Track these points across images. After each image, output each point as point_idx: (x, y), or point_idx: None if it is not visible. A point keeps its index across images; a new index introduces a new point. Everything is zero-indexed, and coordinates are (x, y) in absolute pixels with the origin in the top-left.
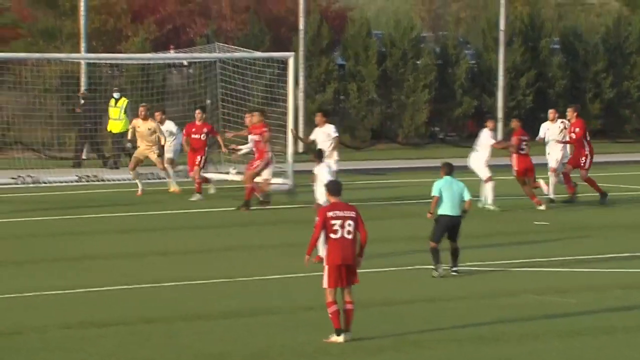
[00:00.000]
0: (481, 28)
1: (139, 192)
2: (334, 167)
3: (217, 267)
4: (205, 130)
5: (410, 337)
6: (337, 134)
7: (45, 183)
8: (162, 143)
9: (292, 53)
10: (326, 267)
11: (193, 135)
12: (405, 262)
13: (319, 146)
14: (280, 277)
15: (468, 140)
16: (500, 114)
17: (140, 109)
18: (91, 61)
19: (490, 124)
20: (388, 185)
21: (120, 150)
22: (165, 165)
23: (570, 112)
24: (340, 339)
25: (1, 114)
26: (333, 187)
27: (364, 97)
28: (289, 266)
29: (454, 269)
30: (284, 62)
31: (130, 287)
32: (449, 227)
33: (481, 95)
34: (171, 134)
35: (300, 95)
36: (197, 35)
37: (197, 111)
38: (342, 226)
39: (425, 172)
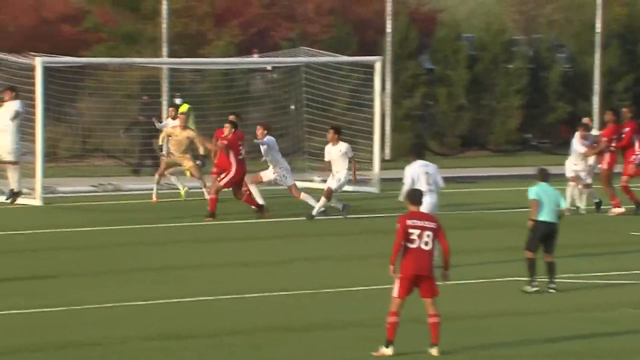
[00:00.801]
0: (576, 30)
1: (154, 199)
2: (342, 180)
3: (299, 278)
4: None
5: (500, 351)
6: (352, 154)
7: (126, 191)
8: (202, 153)
9: (379, 57)
10: (398, 277)
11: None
12: (494, 274)
13: (333, 165)
14: (365, 288)
15: (561, 147)
16: (596, 119)
17: (180, 116)
18: (173, 66)
19: (581, 130)
20: (478, 194)
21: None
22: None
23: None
24: (389, 351)
25: (82, 120)
26: (414, 196)
27: (453, 102)
28: (372, 277)
29: (552, 285)
30: (370, 67)
31: (211, 298)
32: (546, 235)
33: (576, 100)
34: None
35: (387, 100)
36: (281, 39)
37: (230, 117)
38: (420, 236)
39: (517, 180)
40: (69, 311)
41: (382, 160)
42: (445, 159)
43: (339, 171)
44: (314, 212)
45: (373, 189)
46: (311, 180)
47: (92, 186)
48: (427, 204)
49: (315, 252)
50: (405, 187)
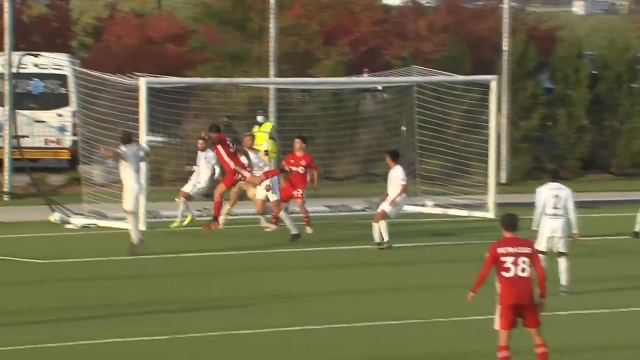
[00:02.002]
0: None
1: (221, 227)
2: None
3: (411, 307)
4: (304, 163)
5: None
6: (405, 181)
7: (231, 216)
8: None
9: (496, 76)
10: (499, 308)
11: (292, 168)
12: (617, 304)
13: (388, 190)
14: (480, 318)
15: None
16: None
17: (247, 138)
18: (281, 86)
19: None
20: (600, 219)
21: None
22: (181, 198)
23: None
24: None
25: (187, 142)
26: (508, 221)
27: (574, 123)
28: (485, 307)
29: None
30: (486, 86)
31: (319, 327)
32: None
33: None
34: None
35: (504, 122)
36: (393, 58)
37: (297, 140)
38: (515, 264)
39: None
40: (172, 340)
41: (498, 184)
42: (565, 183)
43: (390, 195)
44: (379, 241)
45: (488, 214)
46: (423, 205)
47: (198, 210)
48: (550, 229)
49: (426, 280)
50: (537, 211)
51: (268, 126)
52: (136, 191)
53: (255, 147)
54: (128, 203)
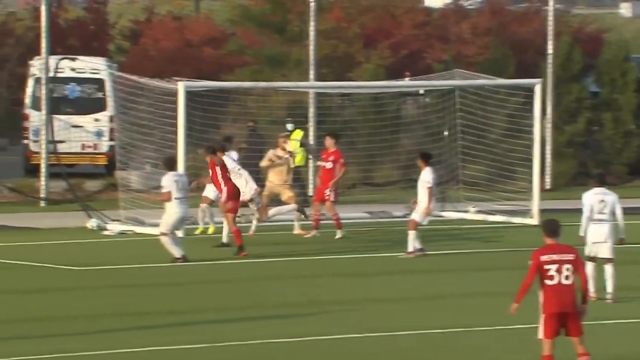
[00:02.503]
0: None
1: (251, 233)
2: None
3: (451, 316)
4: (332, 158)
5: None
6: (430, 184)
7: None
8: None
9: (540, 80)
10: (542, 316)
11: (322, 163)
12: None
13: (418, 193)
14: (522, 327)
15: None
16: None
17: (281, 139)
18: (320, 90)
19: None
20: None
21: (300, 187)
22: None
23: None
24: None
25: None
26: (550, 227)
27: (620, 128)
28: (528, 315)
29: None
30: (530, 90)
31: (360, 335)
32: None
33: None
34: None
35: (548, 126)
36: (434, 61)
37: (327, 137)
38: (559, 271)
39: None
40: (209, 348)
41: (542, 190)
42: (611, 188)
43: (421, 201)
44: (410, 249)
45: (532, 221)
46: (466, 211)
47: (237, 217)
48: (595, 234)
49: (467, 288)
50: (584, 216)
51: (298, 134)
52: (178, 215)
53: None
54: (164, 225)
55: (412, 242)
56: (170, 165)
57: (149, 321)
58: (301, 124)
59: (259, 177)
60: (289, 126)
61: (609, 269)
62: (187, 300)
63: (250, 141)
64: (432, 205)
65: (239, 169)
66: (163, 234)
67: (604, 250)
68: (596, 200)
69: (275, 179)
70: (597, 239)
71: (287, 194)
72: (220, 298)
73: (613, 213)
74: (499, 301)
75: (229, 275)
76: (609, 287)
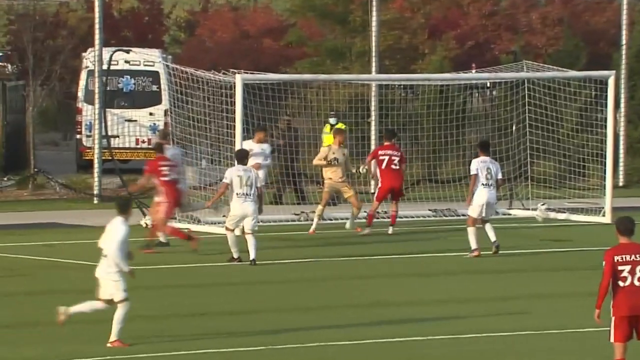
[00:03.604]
0: None
1: (312, 231)
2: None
3: (519, 318)
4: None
5: None
6: (472, 171)
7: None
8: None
9: (613, 72)
10: (613, 319)
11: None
12: None
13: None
14: (595, 330)
15: None
16: None
17: (338, 135)
18: (383, 82)
19: None
20: None
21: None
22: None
23: None
24: None
25: (283, 142)
26: (624, 226)
27: None
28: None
29: None
30: (602, 82)
31: (423, 338)
32: None
33: None
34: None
35: (621, 120)
36: (502, 52)
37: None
38: (632, 272)
39: None
40: (267, 351)
41: (615, 187)
42: None
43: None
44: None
45: (604, 219)
46: (535, 209)
47: (295, 214)
48: None
49: (536, 289)
50: None
51: (340, 127)
52: (238, 216)
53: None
54: (229, 221)
55: (471, 239)
56: (240, 157)
57: (209, 322)
58: (363, 117)
59: (293, 173)
60: (332, 120)
61: None
62: (246, 301)
63: (287, 136)
64: (474, 196)
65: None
66: (227, 229)
67: None
68: None
69: (333, 176)
70: None
71: (347, 192)
72: (279, 298)
73: None
74: (570, 303)
75: (285, 275)
76: None
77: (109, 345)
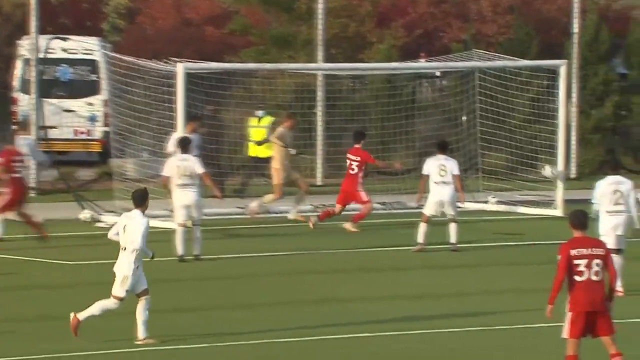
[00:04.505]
0: None
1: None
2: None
3: (471, 314)
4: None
5: None
6: (458, 172)
7: (274, 213)
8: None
9: (565, 61)
10: (569, 315)
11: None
12: None
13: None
14: (544, 326)
15: None
16: None
17: (287, 122)
18: (329, 72)
19: None
20: None
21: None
22: None
23: None
24: None
25: (228, 134)
26: (578, 219)
27: None
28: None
29: None
30: (554, 72)
31: (371, 335)
32: None
33: None
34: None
35: (573, 110)
36: (452, 41)
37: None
38: (589, 266)
39: None
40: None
41: (567, 179)
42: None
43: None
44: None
45: (556, 212)
46: (485, 202)
47: (239, 207)
48: (610, 226)
49: (487, 284)
50: (595, 208)
51: (267, 120)
52: (182, 207)
53: (253, 144)
54: (177, 216)
55: (419, 234)
56: (182, 145)
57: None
58: (309, 108)
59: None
60: (259, 112)
61: (617, 260)
62: (189, 298)
63: (210, 125)
64: (425, 194)
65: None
66: (179, 225)
67: (618, 242)
68: (610, 190)
69: (285, 162)
70: (613, 231)
71: (295, 175)
72: (217, 295)
73: (627, 203)
74: (523, 298)
75: (240, 270)
76: None
77: (137, 342)
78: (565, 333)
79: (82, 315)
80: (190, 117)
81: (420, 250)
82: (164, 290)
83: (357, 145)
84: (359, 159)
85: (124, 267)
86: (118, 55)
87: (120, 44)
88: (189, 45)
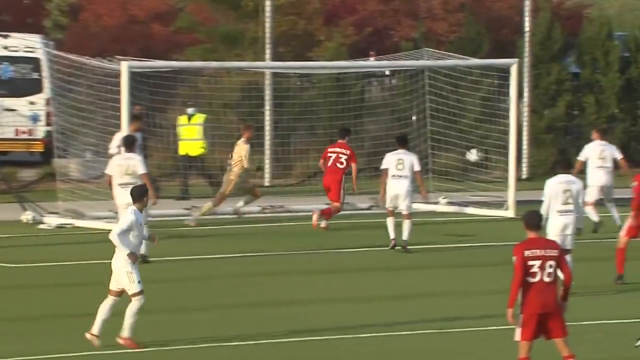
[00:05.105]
0: None
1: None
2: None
3: (419, 316)
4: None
5: None
6: (419, 167)
7: (220, 215)
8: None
9: (516, 60)
10: (521, 316)
11: None
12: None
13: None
14: (496, 329)
15: None
16: None
17: (247, 130)
18: (277, 70)
19: None
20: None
21: (205, 176)
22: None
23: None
24: None
25: (174, 133)
26: (532, 220)
27: (603, 112)
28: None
29: None
30: (505, 71)
31: (318, 338)
32: None
33: None
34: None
35: (525, 110)
36: (402, 39)
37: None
38: (542, 267)
39: None
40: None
41: (518, 180)
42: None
43: None
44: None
45: (508, 213)
46: (436, 203)
47: (185, 209)
48: (560, 226)
49: (437, 286)
50: (544, 206)
51: (200, 118)
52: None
53: (184, 142)
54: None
55: (388, 230)
56: (126, 144)
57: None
58: (256, 107)
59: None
60: (190, 110)
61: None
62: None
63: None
64: (384, 193)
65: None
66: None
67: (567, 242)
68: (560, 189)
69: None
70: (562, 231)
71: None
72: (171, 298)
73: (577, 202)
74: (473, 301)
75: (186, 273)
76: None
77: (119, 340)
78: (517, 335)
79: (125, 332)
80: (132, 116)
81: (393, 247)
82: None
83: (342, 141)
84: (348, 152)
85: (120, 263)
86: (61, 53)
87: (63, 41)
88: (134, 43)
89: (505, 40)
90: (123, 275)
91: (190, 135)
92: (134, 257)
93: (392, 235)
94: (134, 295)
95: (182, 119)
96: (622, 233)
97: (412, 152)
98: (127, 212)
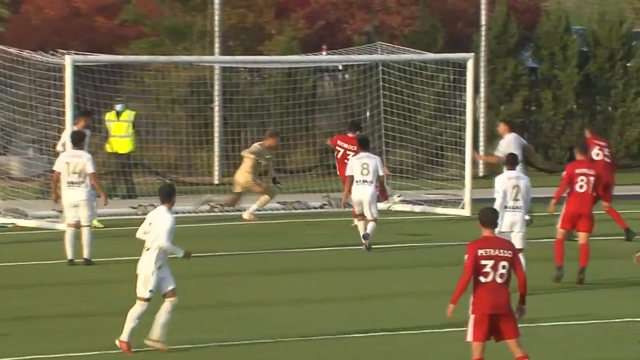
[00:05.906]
0: None
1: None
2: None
3: (372, 318)
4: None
5: None
6: (383, 172)
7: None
8: None
9: (472, 54)
10: (472, 317)
11: None
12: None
13: None
14: (450, 330)
15: None
16: None
17: (272, 139)
18: (226, 65)
19: None
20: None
21: (130, 174)
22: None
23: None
24: None
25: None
26: (487, 218)
27: (561, 107)
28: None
29: None
30: (461, 66)
31: (273, 341)
32: None
33: None
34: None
35: (481, 106)
36: (355, 33)
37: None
38: (495, 268)
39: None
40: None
41: (475, 178)
42: (551, 176)
43: None
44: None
45: (464, 212)
46: (391, 201)
47: (132, 207)
48: (508, 223)
49: (390, 287)
50: (497, 203)
51: (129, 114)
52: (70, 207)
53: (113, 139)
54: (67, 217)
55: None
56: (74, 141)
57: (37, 326)
58: (205, 102)
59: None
60: (118, 106)
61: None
62: (82, 302)
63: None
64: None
65: None
66: (68, 225)
67: (516, 241)
68: (510, 185)
69: (250, 177)
70: (510, 228)
71: (258, 188)
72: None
73: (525, 199)
74: (427, 302)
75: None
76: None
77: (117, 342)
78: (469, 336)
79: (125, 336)
80: (81, 112)
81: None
82: (51, 295)
83: (351, 135)
84: (355, 148)
85: (145, 266)
86: (1, 47)
87: (3, 34)
88: (77, 36)
89: (460, 34)
90: (142, 276)
91: (119, 132)
92: (189, 255)
93: (362, 232)
94: (141, 299)
95: (111, 115)
96: (558, 225)
97: (375, 155)
98: (164, 216)
